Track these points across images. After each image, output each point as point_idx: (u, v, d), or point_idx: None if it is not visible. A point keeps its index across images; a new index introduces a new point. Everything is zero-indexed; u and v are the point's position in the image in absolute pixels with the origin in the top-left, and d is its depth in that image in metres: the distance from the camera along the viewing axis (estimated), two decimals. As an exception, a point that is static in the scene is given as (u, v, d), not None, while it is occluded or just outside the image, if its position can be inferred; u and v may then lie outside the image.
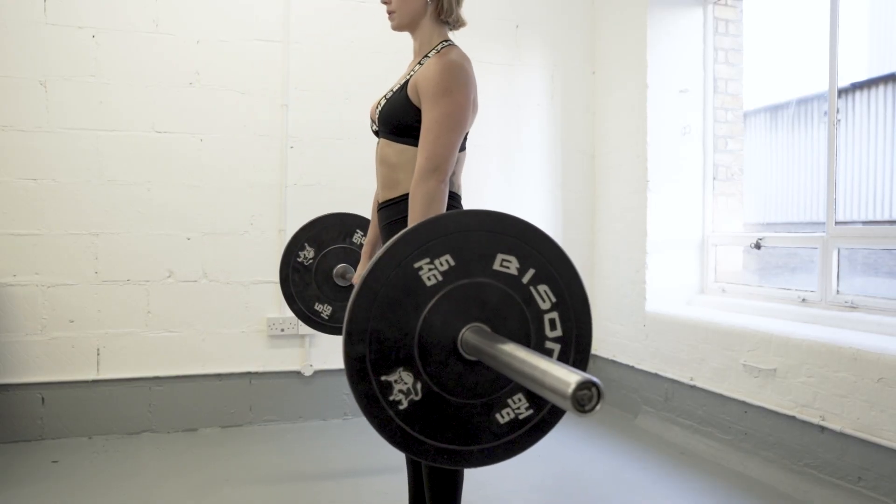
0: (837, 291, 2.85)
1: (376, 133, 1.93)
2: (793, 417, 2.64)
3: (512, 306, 1.23)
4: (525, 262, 1.23)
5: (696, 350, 3.14)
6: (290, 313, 3.43)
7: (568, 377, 0.92)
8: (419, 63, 1.80)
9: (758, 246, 3.26)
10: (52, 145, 3.13)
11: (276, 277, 3.41)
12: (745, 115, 3.73)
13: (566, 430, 3.38)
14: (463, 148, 1.84)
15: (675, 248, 3.57)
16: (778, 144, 4.18)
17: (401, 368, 1.18)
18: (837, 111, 2.84)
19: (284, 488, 2.63)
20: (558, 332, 1.27)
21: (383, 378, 1.17)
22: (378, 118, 1.85)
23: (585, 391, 0.90)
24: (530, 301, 1.24)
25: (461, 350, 1.20)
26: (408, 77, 1.80)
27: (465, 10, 1.90)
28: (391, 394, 1.18)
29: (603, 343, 3.87)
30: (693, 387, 3.17)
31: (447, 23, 1.84)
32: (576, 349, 1.28)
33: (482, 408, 1.24)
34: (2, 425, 3.07)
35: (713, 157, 3.61)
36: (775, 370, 2.72)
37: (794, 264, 3.35)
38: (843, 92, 2.91)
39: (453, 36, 1.90)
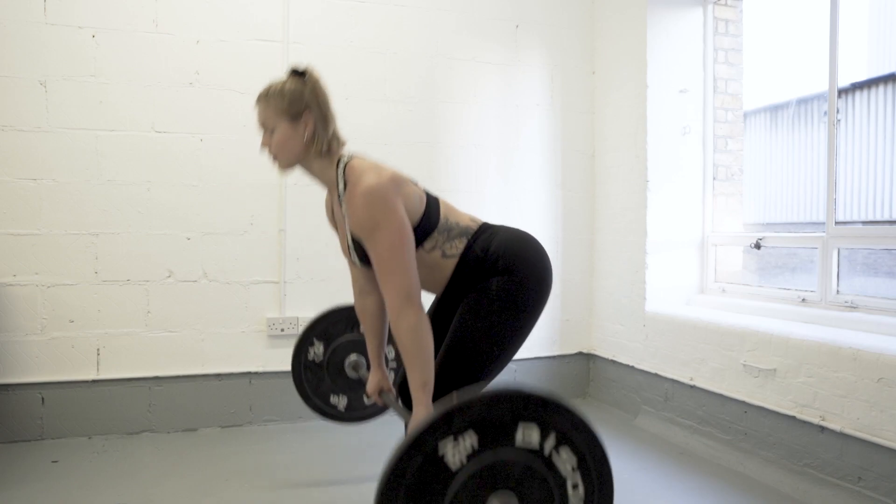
0: (837, 291, 2.85)
1: (355, 265, 2.00)
2: (793, 417, 2.64)
3: (536, 476, 1.27)
4: (546, 429, 1.27)
5: (696, 350, 3.14)
6: (290, 313, 3.44)
7: None
8: (340, 203, 1.84)
9: (758, 246, 3.26)
10: (52, 145, 3.13)
11: (277, 277, 3.43)
12: (745, 115, 3.73)
13: (566, 430, 3.37)
14: (434, 209, 1.87)
15: (675, 248, 3.57)
16: (778, 144, 4.17)
17: None
18: (837, 111, 2.84)
19: (284, 488, 2.63)
20: (581, 494, 1.32)
21: None
22: (361, 263, 1.92)
23: None
24: (553, 468, 1.29)
25: None
26: (346, 223, 1.83)
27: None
28: None
29: (603, 343, 3.87)
30: (693, 387, 3.17)
31: (328, 150, 1.85)
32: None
33: None
34: (2, 425, 3.07)
35: (713, 157, 3.61)
36: (775, 370, 2.72)
37: (793, 264, 3.36)
38: (843, 92, 2.91)
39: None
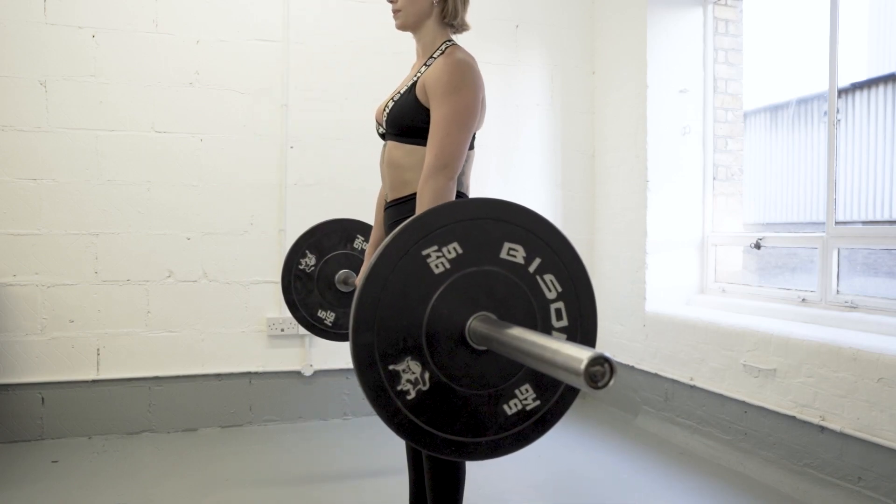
0: (837, 291, 2.85)
1: (382, 136, 1.92)
2: (793, 417, 2.64)
3: (519, 295, 1.23)
4: (531, 251, 1.23)
5: (696, 350, 3.14)
6: (289, 313, 3.43)
7: (580, 353, 0.92)
8: (425, 64, 1.80)
9: (758, 246, 3.26)
10: (52, 145, 3.13)
11: (277, 277, 3.42)
12: (745, 115, 3.73)
13: (566, 429, 3.38)
14: (471, 147, 1.84)
15: (675, 247, 3.57)
16: (778, 144, 4.17)
17: (409, 358, 1.17)
18: (837, 111, 2.84)
19: (284, 488, 2.63)
20: (564, 322, 1.27)
21: (391, 367, 1.16)
22: (386, 120, 1.85)
23: (598, 367, 0.90)
24: (536, 290, 1.24)
25: (469, 339, 1.20)
26: (415, 78, 1.80)
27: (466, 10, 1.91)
28: (399, 384, 1.17)
29: (603, 343, 3.87)
30: (693, 387, 3.17)
31: (451, 25, 1.85)
32: (582, 338, 1.29)
33: (490, 399, 1.23)
34: (2, 425, 3.07)
35: (713, 157, 3.61)
36: (775, 370, 2.72)
37: (793, 264, 3.35)
38: (843, 92, 2.91)
39: (456, 38, 1.90)
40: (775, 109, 4.12)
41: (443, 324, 1.19)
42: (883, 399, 2.31)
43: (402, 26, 1.86)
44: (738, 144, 3.64)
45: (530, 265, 1.24)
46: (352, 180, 3.52)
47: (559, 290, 1.26)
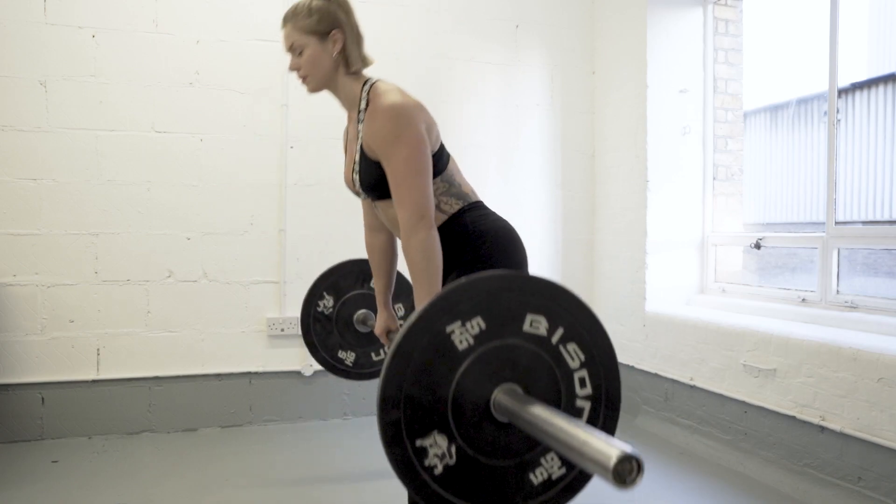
0: (837, 291, 2.85)
1: (358, 194, 1.93)
2: (793, 417, 2.64)
3: (542, 367, 1.24)
4: (554, 321, 1.24)
5: (696, 350, 3.14)
6: (290, 313, 3.44)
7: (609, 450, 0.92)
8: (359, 120, 1.80)
9: (758, 246, 3.26)
10: (52, 145, 3.13)
11: (277, 277, 3.42)
12: (745, 115, 3.73)
13: (566, 430, 3.38)
14: (445, 157, 1.84)
15: (675, 248, 3.57)
16: (778, 144, 4.17)
17: (435, 432, 1.19)
18: (837, 111, 2.84)
19: (284, 488, 2.62)
20: (588, 391, 1.29)
21: (418, 443, 1.18)
22: (362, 188, 1.85)
23: (626, 464, 0.90)
24: (560, 360, 1.26)
25: (494, 412, 1.21)
26: (359, 140, 1.79)
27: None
28: (426, 459, 1.18)
29: (603, 343, 3.86)
30: (693, 387, 3.17)
31: (357, 71, 1.84)
32: (606, 406, 1.30)
33: (516, 468, 1.25)
34: (2, 425, 3.07)
35: (713, 157, 3.61)
36: (775, 370, 2.72)
37: (793, 264, 3.36)
38: (843, 92, 2.91)
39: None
40: (775, 109, 4.13)
41: (468, 398, 1.20)
42: (883, 399, 2.31)
43: (316, 90, 1.85)
44: (738, 144, 3.64)
45: (553, 336, 1.25)
46: (352, 180, 3.52)
47: (582, 358, 1.28)
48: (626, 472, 0.90)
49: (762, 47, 3.70)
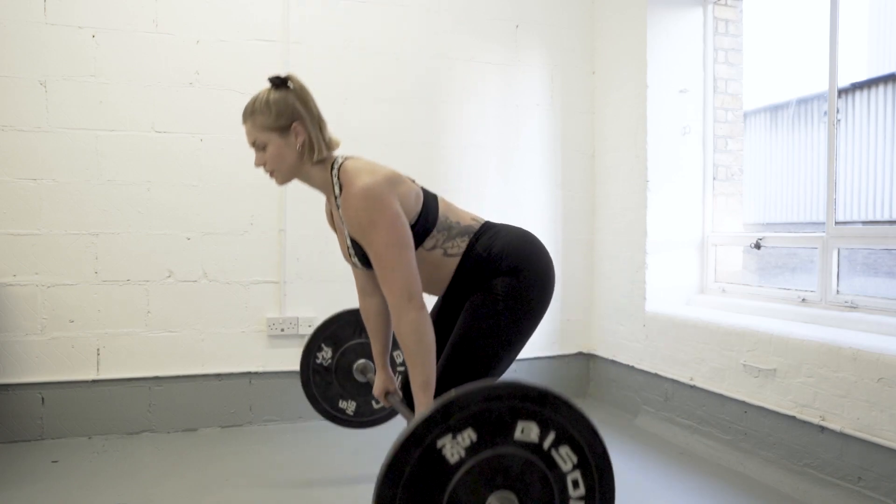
0: (837, 291, 2.85)
1: (356, 266, 1.96)
2: (793, 417, 2.64)
3: (535, 473, 1.26)
4: (545, 426, 1.26)
5: (696, 350, 3.14)
6: (290, 313, 3.44)
7: None
8: (337, 206, 1.82)
9: (758, 246, 3.26)
10: (52, 145, 3.13)
11: (277, 277, 3.42)
12: (745, 115, 3.73)
13: (566, 430, 3.38)
14: (433, 210, 1.84)
15: (675, 248, 3.57)
16: (778, 144, 4.18)
17: None
18: (837, 111, 2.84)
19: (284, 488, 2.63)
20: (581, 492, 1.31)
21: None
22: (362, 265, 1.89)
23: None
24: (553, 465, 1.27)
25: None
26: (345, 226, 1.82)
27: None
28: None
29: (603, 343, 3.87)
30: (693, 387, 3.17)
31: (323, 159, 1.84)
32: (600, 502, 1.32)
33: None
34: (2, 425, 3.07)
35: (713, 157, 3.61)
36: (775, 370, 2.72)
37: (793, 264, 3.36)
38: (843, 92, 2.91)
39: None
40: (775, 109, 4.13)
41: None
42: (883, 399, 2.31)
43: (284, 182, 1.86)
44: (738, 144, 3.64)
45: (545, 441, 1.26)
46: (352, 180, 3.52)
47: (575, 460, 1.29)
48: None
49: (762, 47, 3.70)
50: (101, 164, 3.19)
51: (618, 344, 3.74)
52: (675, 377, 3.27)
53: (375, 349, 2.14)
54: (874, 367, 2.34)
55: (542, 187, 3.91)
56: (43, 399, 3.12)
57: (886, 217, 3.41)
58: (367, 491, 2.58)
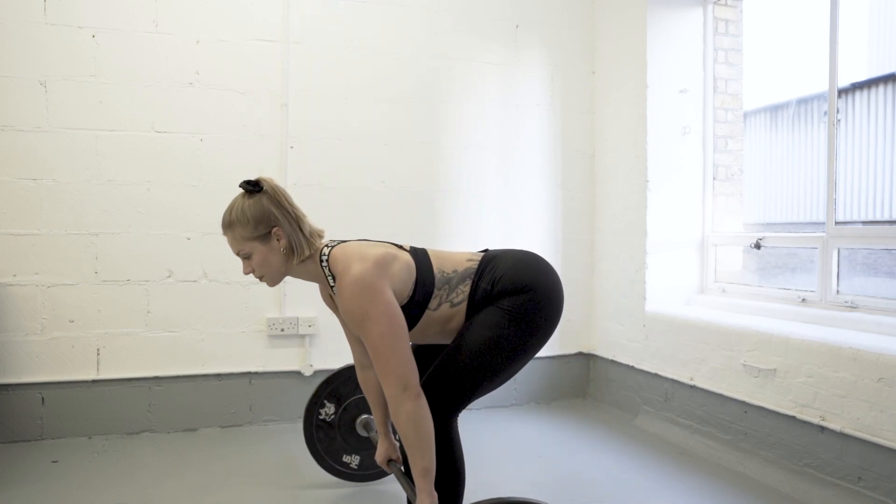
0: (837, 291, 2.85)
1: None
2: (793, 417, 2.64)
3: None
4: None
5: (696, 350, 3.14)
6: (290, 313, 3.44)
7: None
8: (333, 293, 1.84)
9: (758, 246, 3.26)
10: (52, 145, 3.13)
11: (276, 277, 3.42)
12: (745, 115, 3.73)
13: (566, 430, 3.38)
14: (428, 275, 1.84)
15: (675, 248, 3.57)
16: (778, 144, 4.18)
17: None
18: (837, 111, 2.84)
19: (284, 488, 2.63)
20: None
21: None
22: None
23: None
24: None
25: None
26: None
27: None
28: None
29: (603, 343, 3.87)
30: (693, 387, 3.17)
31: (309, 255, 1.84)
32: None
33: None
34: (2, 425, 3.07)
35: (713, 157, 3.61)
36: (775, 370, 2.72)
37: (793, 264, 3.36)
38: (843, 92, 2.91)
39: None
40: (775, 109, 4.13)
41: None
42: (883, 399, 2.31)
43: (276, 283, 1.87)
44: (738, 144, 3.64)
45: None
46: (352, 180, 3.52)
47: None
48: None
49: (762, 47, 3.70)
50: (101, 164, 3.19)
51: (618, 344, 3.74)
52: (675, 377, 3.27)
53: (377, 418, 2.16)
54: (874, 367, 2.34)
55: (542, 187, 3.91)
56: (43, 399, 3.12)
57: (886, 217, 3.41)
58: (368, 491, 2.59)
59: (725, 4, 3.61)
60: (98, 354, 3.20)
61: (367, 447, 2.65)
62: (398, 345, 1.70)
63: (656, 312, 3.45)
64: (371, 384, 2.12)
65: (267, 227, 1.78)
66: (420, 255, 1.88)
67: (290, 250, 1.81)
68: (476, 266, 1.91)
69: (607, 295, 3.85)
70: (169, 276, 3.29)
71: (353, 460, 2.65)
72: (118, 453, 2.98)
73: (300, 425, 3.41)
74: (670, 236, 3.56)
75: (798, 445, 2.63)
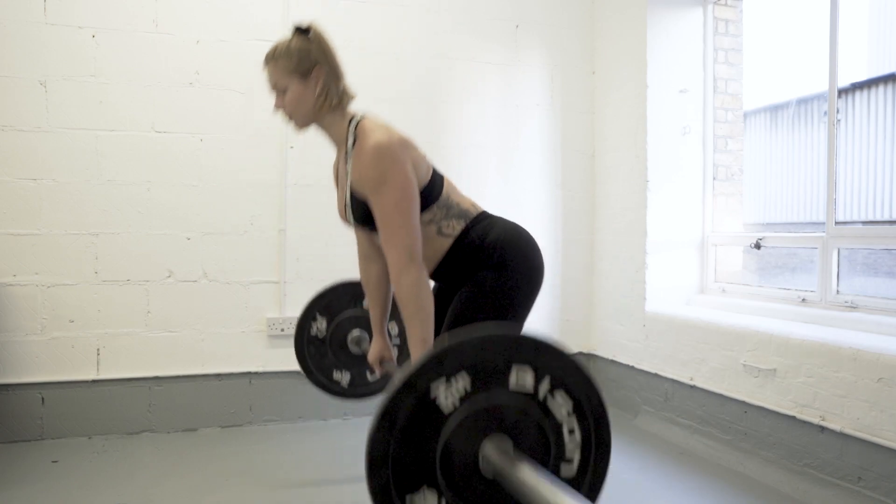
0: (837, 291, 2.85)
1: (351, 225, 1.95)
2: (793, 417, 2.64)
3: (531, 421, 1.24)
4: (540, 372, 1.25)
5: (696, 350, 3.14)
6: (290, 313, 3.44)
7: None
8: (346, 159, 1.83)
9: (758, 246, 3.26)
10: (52, 145, 3.13)
11: (277, 277, 3.42)
12: (745, 115, 3.73)
13: (566, 430, 3.38)
14: (438, 184, 1.85)
15: (675, 248, 3.57)
16: (778, 144, 4.18)
17: (424, 487, 1.21)
18: (837, 111, 2.84)
19: (284, 488, 2.63)
20: (577, 438, 1.28)
21: (408, 499, 1.20)
22: (355, 222, 1.88)
23: None
24: (548, 412, 1.26)
25: (483, 470, 1.21)
26: (348, 179, 1.82)
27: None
28: None
29: (603, 343, 3.87)
30: (693, 387, 3.17)
31: (340, 105, 1.87)
32: (596, 450, 1.30)
33: None
34: (2, 425, 3.06)
35: (713, 157, 3.61)
36: (775, 370, 2.72)
37: (793, 264, 3.36)
38: (843, 92, 2.91)
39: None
40: (775, 109, 4.13)
41: (456, 454, 1.20)
42: (883, 399, 2.31)
43: (302, 127, 1.89)
44: (738, 144, 3.64)
45: (540, 388, 1.25)
46: (352, 180, 3.52)
47: (570, 406, 1.27)
48: None
49: (762, 47, 3.71)
50: (101, 164, 3.19)
51: (618, 344, 3.74)
52: (675, 377, 3.27)
53: (374, 315, 2.14)
54: (874, 367, 2.34)
55: (542, 187, 3.91)
56: (43, 399, 3.12)
57: (886, 217, 3.41)
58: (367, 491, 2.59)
59: (725, 4, 3.61)
60: (98, 354, 3.20)
61: (357, 365, 2.63)
62: (410, 214, 1.71)
63: (656, 312, 3.45)
64: (372, 277, 2.10)
65: (309, 65, 1.82)
66: (437, 171, 1.90)
67: (325, 96, 1.83)
68: (475, 214, 1.92)
69: (607, 295, 3.84)
70: (169, 276, 3.29)
71: (344, 377, 2.63)
72: (118, 453, 2.98)
73: (300, 425, 3.41)
74: (670, 236, 3.56)
75: (798, 445, 2.63)
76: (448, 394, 1.19)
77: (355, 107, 3.59)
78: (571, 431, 1.28)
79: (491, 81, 3.79)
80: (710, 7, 3.59)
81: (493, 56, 3.79)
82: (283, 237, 3.43)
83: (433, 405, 1.19)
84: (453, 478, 1.20)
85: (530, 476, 1.11)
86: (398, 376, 1.19)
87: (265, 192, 3.41)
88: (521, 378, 1.23)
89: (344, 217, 1.94)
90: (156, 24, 3.25)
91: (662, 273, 3.54)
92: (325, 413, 3.50)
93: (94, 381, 3.19)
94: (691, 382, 3.16)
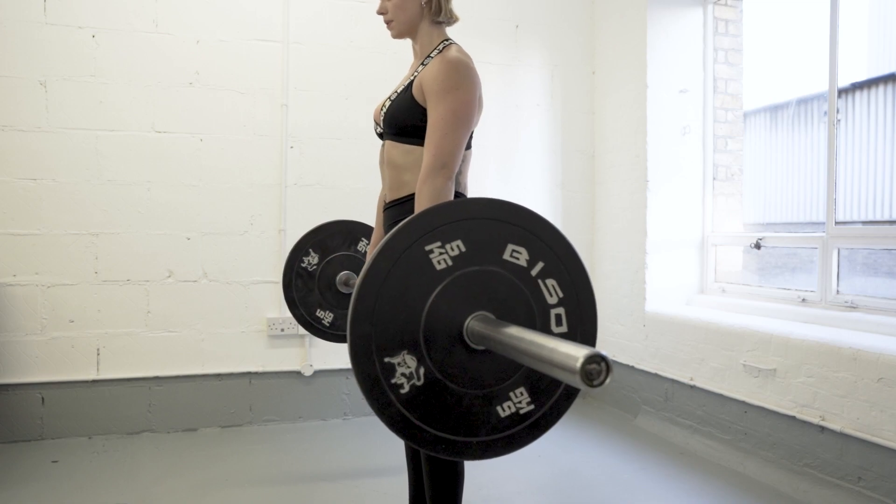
0: (837, 291, 2.85)
1: (381, 135, 1.93)
2: (793, 417, 2.64)
3: (519, 297, 1.23)
4: (535, 254, 1.23)
5: (696, 350, 3.14)
6: (289, 313, 3.43)
7: (576, 351, 0.92)
8: (422, 63, 1.81)
9: (758, 246, 3.26)
10: (52, 145, 3.13)
11: (277, 277, 3.42)
12: (745, 115, 3.73)
13: (566, 430, 3.38)
14: (469, 146, 1.84)
15: (675, 248, 3.57)
16: (778, 144, 4.17)
17: (405, 351, 1.17)
18: (837, 111, 2.84)
19: (284, 488, 2.63)
20: (563, 328, 1.26)
21: (386, 360, 1.16)
22: (383, 120, 1.85)
23: (594, 365, 0.90)
24: (538, 294, 1.24)
25: (467, 338, 1.20)
26: (412, 77, 1.80)
27: (465, 12, 1.91)
28: (393, 377, 1.17)
29: (603, 343, 3.87)
30: (693, 387, 3.17)
31: (442, 22, 1.86)
32: (581, 342, 1.28)
33: (483, 399, 1.23)
34: (2, 425, 3.07)
35: (713, 157, 3.61)
36: (775, 370, 2.72)
37: (793, 264, 3.35)
38: (843, 92, 2.91)
39: (450, 31, 1.91)
40: (775, 109, 4.12)
41: (441, 321, 1.19)
42: (883, 399, 2.31)
43: (398, 35, 1.88)
44: (738, 144, 3.64)
45: (533, 268, 1.23)
46: (352, 180, 3.52)
47: (560, 295, 1.25)
48: (594, 372, 0.90)
49: (762, 47, 3.70)
50: (101, 164, 3.19)
51: (618, 344, 3.74)
52: (675, 377, 3.27)
53: (374, 238, 2.12)
54: (874, 367, 2.34)
55: (542, 187, 3.91)
56: (43, 399, 3.12)
57: (886, 217, 3.40)
58: (368, 491, 2.59)
59: (725, 4, 3.61)
60: (98, 354, 3.20)
61: (342, 306, 2.61)
62: (461, 129, 1.69)
63: (656, 312, 3.45)
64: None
65: None
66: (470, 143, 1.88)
67: (430, 8, 1.82)
68: (462, 192, 1.87)
69: (607, 295, 3.84)
70: (169, 276, 3.29)
71: (327, 317, 2.60)
72: (118, 453, 2.98)
73: (300, 425, 3.41)
74: (670, 236, 3.56)
75: (798, 445, 2.63)
76: (443, 253, 1.18)
77: (357, 105, 3.60)
78: (559, 320, 1.26)
79: (491, 81, 3.79)
80: (710, 7, 3.59)
81: (494, 56, 3.79)
82: (283, 237, 3.43)
83: (426, 260, 1.17)
84: (436, 344, 1.19)
85: (520, 330, 1.09)
86: (393, 230, 1.18)
87: (265, 192, 3.41)
88: (516, 255, 1.22)
89: (377, 116, 1.90)
90: (156, 24, 3.25)
91: (662, 273, 3.54)
92: (325, 413, 3.50)
93: (94, 381, 3.19)
94: (691, 382, 3.16)
